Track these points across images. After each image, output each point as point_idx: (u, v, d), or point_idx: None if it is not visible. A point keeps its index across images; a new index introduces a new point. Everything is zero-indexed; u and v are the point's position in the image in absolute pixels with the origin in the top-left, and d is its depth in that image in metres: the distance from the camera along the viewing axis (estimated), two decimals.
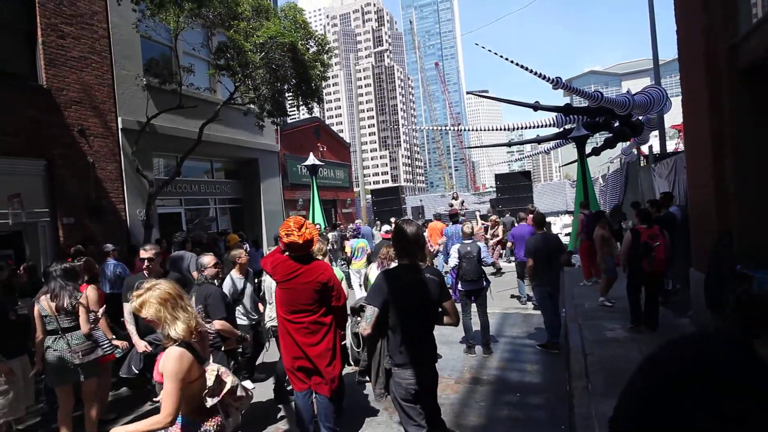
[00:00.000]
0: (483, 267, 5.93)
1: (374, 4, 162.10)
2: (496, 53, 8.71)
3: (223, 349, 3.99)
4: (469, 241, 5.94)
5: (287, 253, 3.46)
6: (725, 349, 0.71)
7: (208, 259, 4.18)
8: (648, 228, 5.69)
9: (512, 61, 8.43)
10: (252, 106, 10.10)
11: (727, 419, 0.59)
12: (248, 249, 8.16)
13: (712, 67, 4.28)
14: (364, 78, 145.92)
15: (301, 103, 10.40)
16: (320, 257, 4.12)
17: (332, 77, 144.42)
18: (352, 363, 4.08)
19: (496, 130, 13.87)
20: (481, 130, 13.83)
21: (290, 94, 10.59)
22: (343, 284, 4.24)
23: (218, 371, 2.37)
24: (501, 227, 12.14)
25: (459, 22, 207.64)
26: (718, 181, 4.42)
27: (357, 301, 3.26)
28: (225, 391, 2.36)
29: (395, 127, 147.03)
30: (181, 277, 5.24)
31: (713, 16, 4.28)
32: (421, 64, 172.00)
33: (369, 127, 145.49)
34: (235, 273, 5.13)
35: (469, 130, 14.25)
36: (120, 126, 9.06)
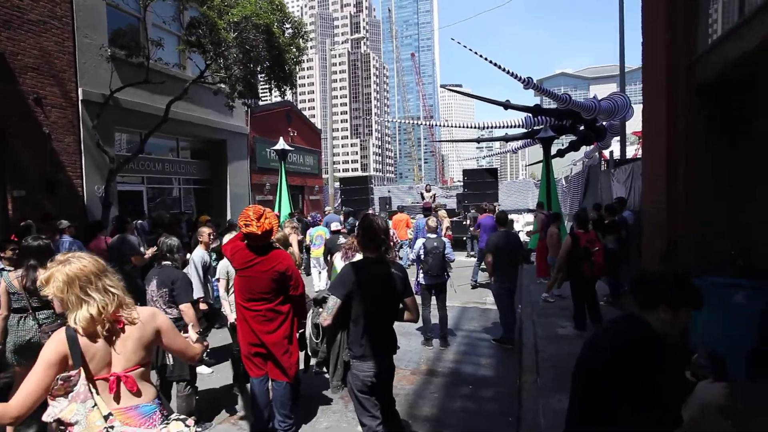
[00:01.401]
0: (447, 262, 6.06)
1: None
2: (471, 49, 8.83)
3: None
4: (434, 235, 6.05)
5: (246, 242, 3.46)
6: (640, 325, 1.77)
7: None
8: (585, 233, 6.00)
9: (486, 59, 8.56)
10: (223, 85, 9.84)
11: (644, 367, 1.59)
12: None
13: (672, 81, 4.51)
14: (339, 64, 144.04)
15: (273, 86, 10.21)
16: (293, 244, 4.09)
17: (307, 61, 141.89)
18: (310, 354, 4.12)
19: (467, 127, 14.08)
20: (452, 126, 13.99)
21: (263, 76, 10.37)
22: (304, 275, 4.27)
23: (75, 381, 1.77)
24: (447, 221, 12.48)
25: (437, 14, 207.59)
26: (671, 189, 4.68)
27: (320, 292, 3.29)
28: (58, 414, 1.75)
29: (368, 115, 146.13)
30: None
31: (675, 33, 4.50)
32: (398, 53, 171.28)
33: (341, 114, 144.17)
34: (201, 248, 5.17)
35: (440, 125, 14.40)
36: (81, 97, 8.65)
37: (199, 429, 3.91)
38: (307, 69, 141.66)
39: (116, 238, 6.41)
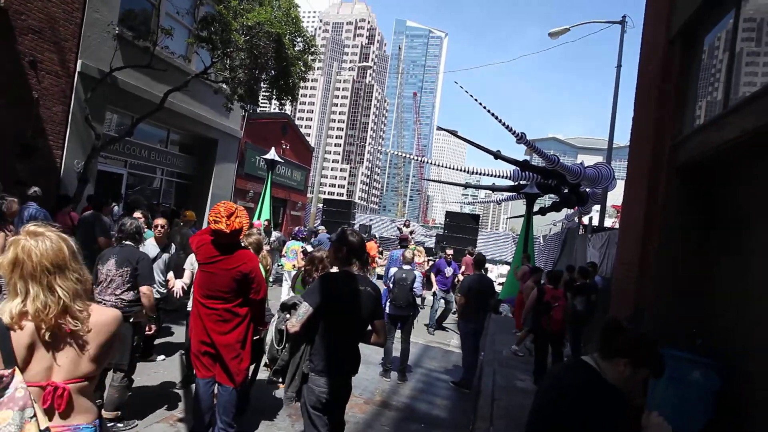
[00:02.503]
0: (414, 296, 6.02)
1: (369, 22, 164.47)
2: (472, 95, 9.08)
3: (131, 320, 3.75)
4: (408, 267, 6.03)
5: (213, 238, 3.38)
6: (591, 374, 1.77)
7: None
8: (554, 289, 6.08)
9: (486, 107, 8.81)
10: (224, 86, 9.84)
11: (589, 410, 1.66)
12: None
13: (656, 157, 4.68)
14: (343, 89, 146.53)
15: (274, 96, 10.26)
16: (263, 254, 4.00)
17: (311, 80, 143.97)
18: (268, 362, 3.98)
19: (457, 169, 14.33)
20: (442, 166, 14.22)
21: (266, 84, 10.43)
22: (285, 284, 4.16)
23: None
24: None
25: (444, 60, 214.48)
26: (642, 261, 4.77)
27: (291, 298, 3.20)
28: None
29: (362, 141, 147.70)
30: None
31: (664, 113, 4.71)
32: (400, 90, 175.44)
33: (336, 138, 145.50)
34: (151, 241, 5.01)
35: (431, 163, 14.61)
36: (78, 69, 8.51)
37: (121, 425, 3.68)
38: (311, 89, 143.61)
39: (90, 214, 6.21)
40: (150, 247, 4.89)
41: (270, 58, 9.24)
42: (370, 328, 2.94)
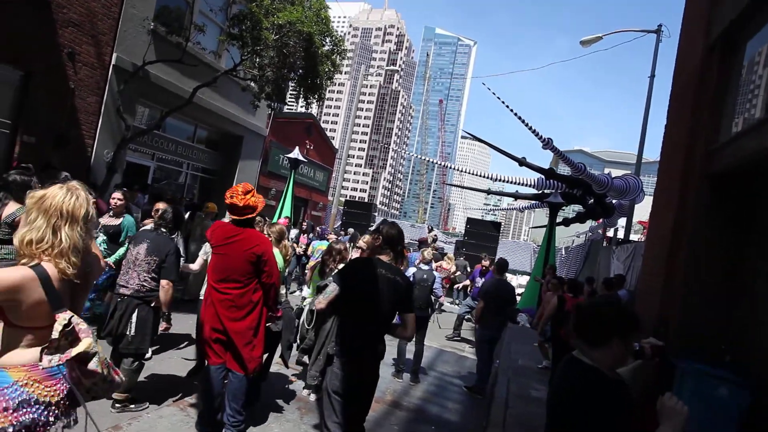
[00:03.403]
0: (432, 297, 5.94)
1: (398, 28, 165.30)
2: (499, 98, 8.96)
3: (152, 305, 3.79)
4: (427, 267, 5.96)
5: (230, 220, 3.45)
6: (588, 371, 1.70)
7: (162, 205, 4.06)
8: (574, 297, 5.89)
9: (512, 110, 8.69)
10: (253, 84, 9.99)
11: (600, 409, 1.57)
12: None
13: (688, 166, 4.52)
14: (369, 94, 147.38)
15: (301, 94, 10.37)
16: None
17: (338, 84, 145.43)
18: (298, 341, 3.97)
19: (480, 176, 14.18)
20: (466, 172, 14.10)
21: (294, 84, 10.54)
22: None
23: (74, 322, 1.66)
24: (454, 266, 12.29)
25: (472, 69, 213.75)
26: (668, 271, 4.60)
27: (326, 280, 3.25)
28: (74, 353, 1.63)
29: (386, 147, 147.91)
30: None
31: (698, 121, 4.54)
32: (426, 97, 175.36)
33: (361, 142, 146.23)
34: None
35: (454, 168, 14.51)
36: (113, 62, 8.78)
37: (133, 407, 3.70)
38: (337, 92, 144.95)
39: None
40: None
41: (299, 57, 9.34)
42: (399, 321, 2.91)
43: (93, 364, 1.69)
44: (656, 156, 5.97)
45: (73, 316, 1.67)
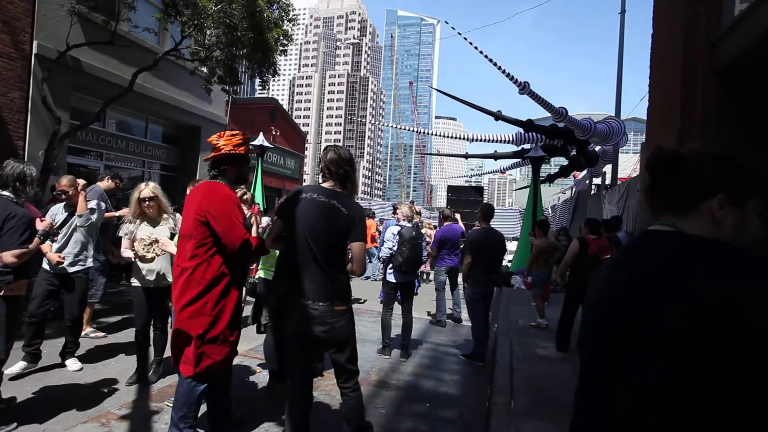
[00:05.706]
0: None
1: (359, 14, 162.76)
2: (471, 43, 8.23)
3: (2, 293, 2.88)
4: (409, 225, 5.20)
5: None
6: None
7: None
8: (597, 239, 5.28)
9: (486, 56, 8.00)
10: (203, 68, 9.13)
11: None
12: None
13: (689, 66, 3.91)
14: (338, 84, 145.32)
15: (254, 70, 9.54)
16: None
17: (306, 77, 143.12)
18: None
19: (457, 137, 13.56)
20: (443, 136, 13.46)
21: (246, 61, 9.70)
22: None
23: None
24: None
25: (438, 46, 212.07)
26: None
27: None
28: None
29: (362, 122, 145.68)
30: None
31: (695, 12, 3.93)
32: (396, 81, 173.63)
33: (335, 134, 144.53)
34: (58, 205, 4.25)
35: (431, 134, 13.86)
36: (35, 51, 7.83)
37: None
38: (306, 86, 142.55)
39: None
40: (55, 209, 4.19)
41: (244, 28, 8.49)
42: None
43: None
44: (632, 113, 5.36)
45: None
